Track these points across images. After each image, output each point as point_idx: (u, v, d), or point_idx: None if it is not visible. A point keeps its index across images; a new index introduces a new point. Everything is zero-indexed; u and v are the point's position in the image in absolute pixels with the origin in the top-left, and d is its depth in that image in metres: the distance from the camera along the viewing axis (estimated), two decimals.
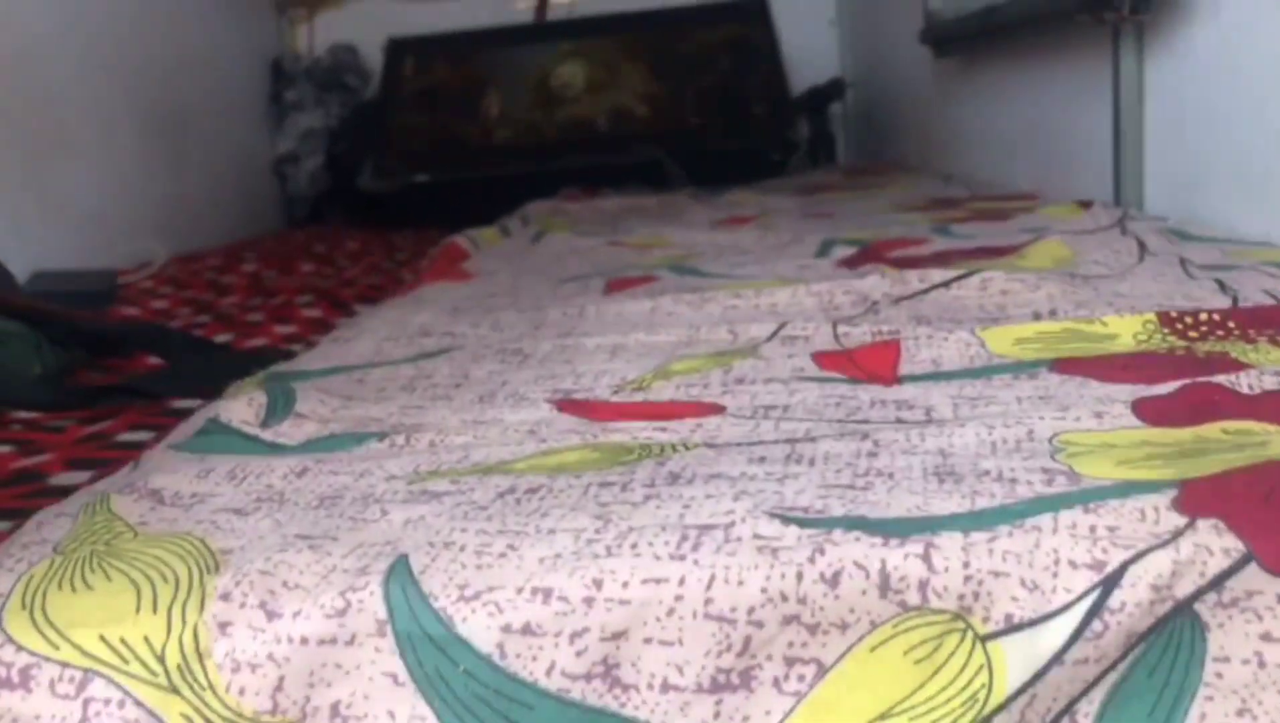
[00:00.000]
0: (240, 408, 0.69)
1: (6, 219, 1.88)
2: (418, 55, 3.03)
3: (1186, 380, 0.61)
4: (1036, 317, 0.82)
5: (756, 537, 0.44)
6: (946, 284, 0.92)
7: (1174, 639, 0.41)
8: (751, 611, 0.42)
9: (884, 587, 0.41)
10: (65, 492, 0.68)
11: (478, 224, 2.65)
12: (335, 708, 0.42)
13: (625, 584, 0.42)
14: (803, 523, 0.45)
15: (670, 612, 0.42)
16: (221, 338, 1.36)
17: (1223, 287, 0.86)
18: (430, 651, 0.42)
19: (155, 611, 0.44)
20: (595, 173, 2.67)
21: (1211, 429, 0.53)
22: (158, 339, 1.24)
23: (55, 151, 2.06)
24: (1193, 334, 0.72)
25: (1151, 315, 0.74)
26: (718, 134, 2.74)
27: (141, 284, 1.94)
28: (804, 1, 3.31)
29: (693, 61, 2.95)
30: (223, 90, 2.90)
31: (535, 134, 2.84)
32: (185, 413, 0.81)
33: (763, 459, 0.54)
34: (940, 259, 1.11)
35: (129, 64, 2.36)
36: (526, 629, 0.42)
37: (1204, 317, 0.73)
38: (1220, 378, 0.60)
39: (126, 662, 0.43)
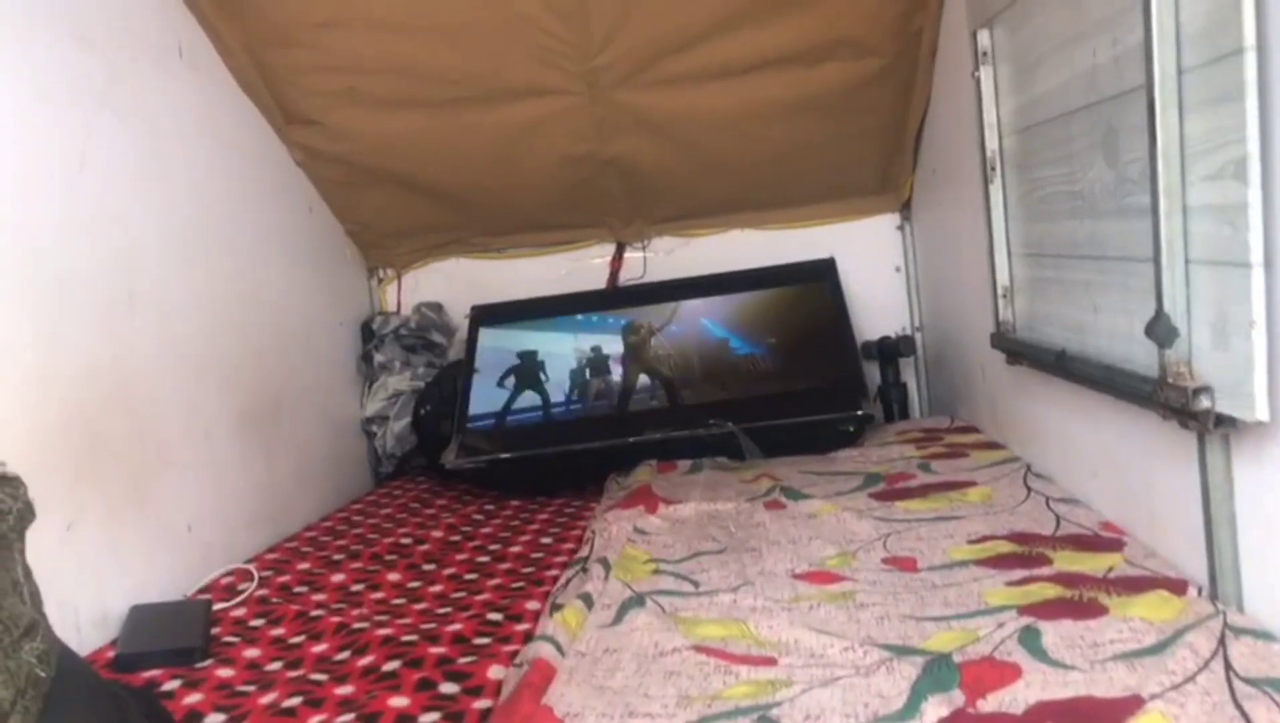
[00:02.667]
0: None
1: (108, 549, 1.97)
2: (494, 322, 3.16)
3: None
4: None
5: None
6: None
7: None
8: None
9: None
10: None
11: (555, 495, 2.74)
12: None
13: None
14: None
15: None
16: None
17: None
18: None
19: None
20: (670, 445, 2.71)
21: None
22: None
23: (157, 470, 2.16)
24: None
25: None
26: (791, 406, 2.77)
27: (234, 611, 2.00)
28: (872, 246, 3.40)
29: (763, 325, 3.01)
30: (316, 362, 3.04)
31: (611, 406, 2.91)
32: None
33: None
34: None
35: (227, 362, 2.49)
36: None
37: None
38: None
39: None
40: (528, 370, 3.00)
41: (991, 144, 2.12)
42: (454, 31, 2.63)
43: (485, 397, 2.98)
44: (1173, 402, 1.35)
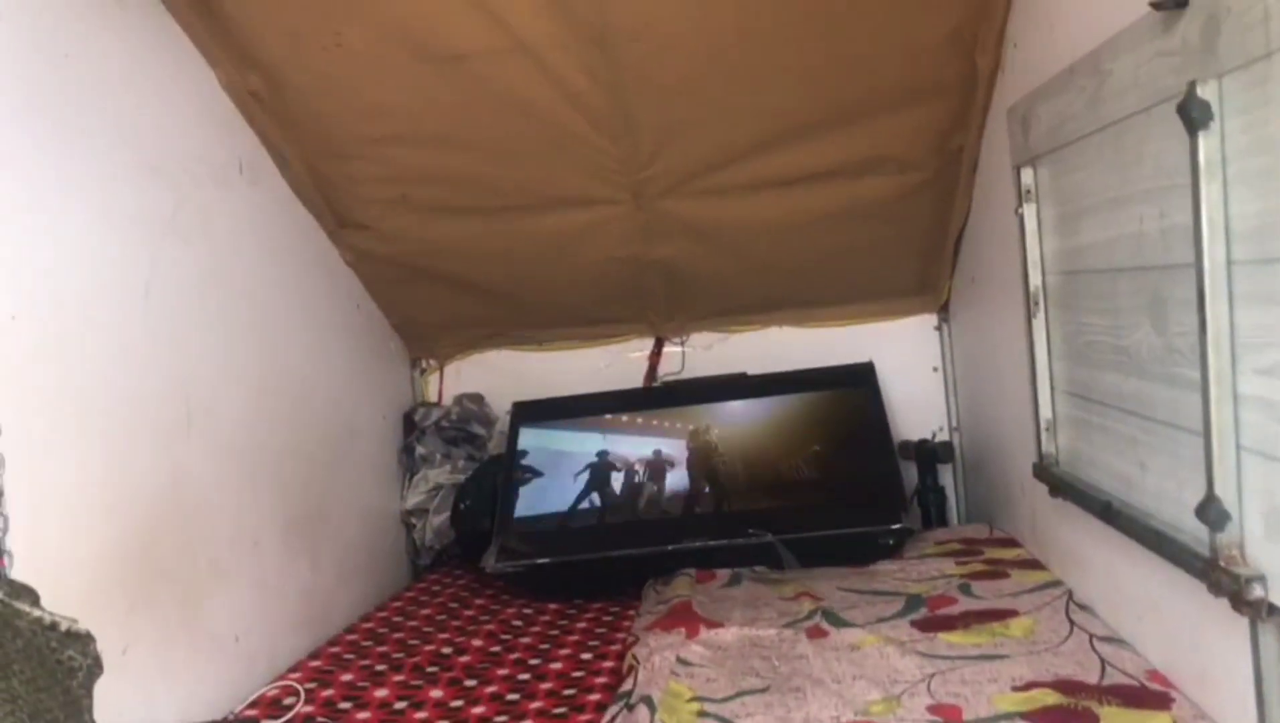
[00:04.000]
0: None
1: (159, 669, 2.01)
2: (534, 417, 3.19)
3: None
4: None
5: None
6: None
7: None
8: None
9: None
10: None
11: (593, 599, 2.75)
12: None
13: None
14: None
15: None
16: None
17: None
18: None
19: None
20: (709, 553, 2.73)
21: None
22: None
23: (208, 584, 2.21)
24: None
25: None
26: (830, 516, 2.78)
27: None
28: (910, 345, 3.43)
29: (802, 432, 3.03)
30: (359, 457, 3.09)
31: (650, 511, 2.93)
32: None
33: None
34: None
35: (275, 467, 2.54)
36: None
37: None
38: None
39: None
40: (601, 472, 3.03)
41: (1035, 280, 2.14)
42: (505, 147, 2.70)
43: (525, 497, 3.01)
44: (1225, 585, 1.36)
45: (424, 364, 3.59)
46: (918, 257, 3.19)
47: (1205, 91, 1.33)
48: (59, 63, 1.87)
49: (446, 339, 3.51)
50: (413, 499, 3.27)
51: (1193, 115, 1.34)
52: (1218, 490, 1.37)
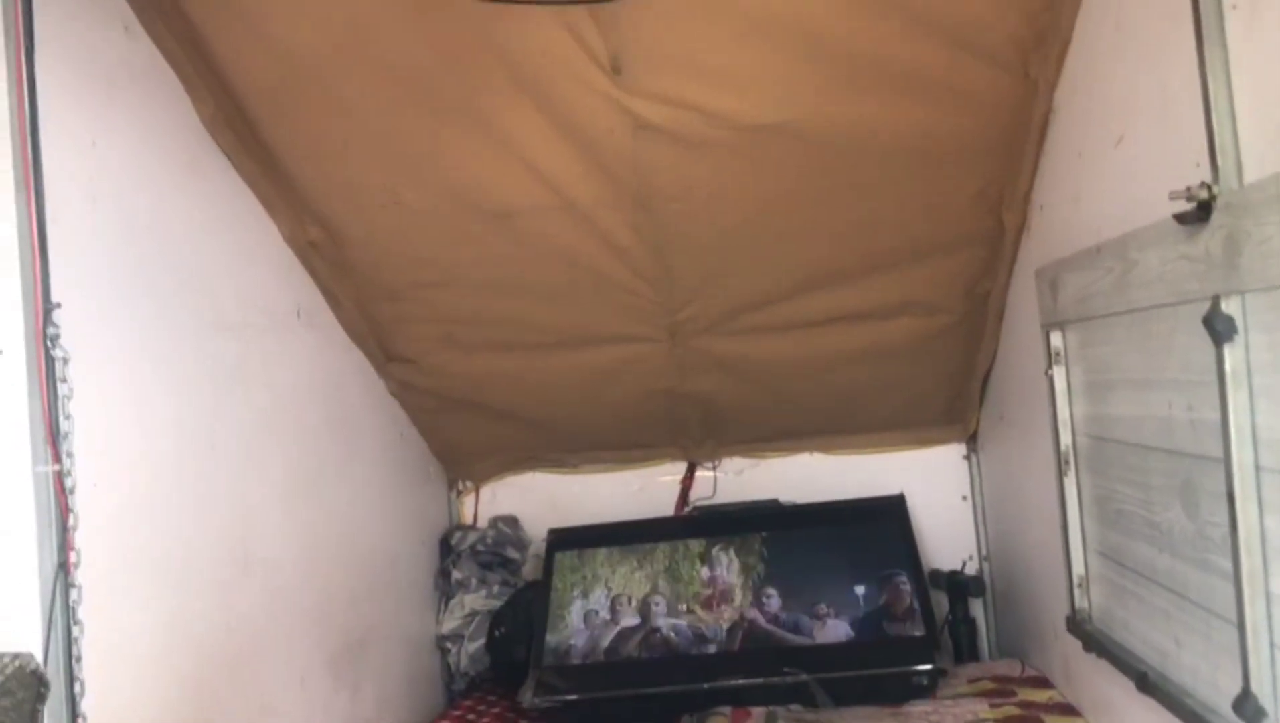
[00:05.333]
0: None
1: None
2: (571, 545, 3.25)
3: None
4: None
5: None
6: None
7: None
8: None
9: None
10: None
11: None
12: None
13: None
14: None
15: None
16: None
17: None
18: None
19: None
20: (744, 691, 2.75)
21: None
22: None
23: None
24: None
25: None
26: (863, 654, 2.81)
27: None
28: (939, 474, 3.48)
29: (835, 566, 3.07)
30: (398, 585, 3.15)
31: (689, 645, 2.96)
32: None
33: None
34: None
35: (321, 603, 2.60)
36: None
37: None
38: None
39: None
40: (638, 608, 3.06)
41: (1065, 439, 2.21)
42: (548, 291, 2.82)
43: (560, 628, 3.05)
44: None
45: (460, 486, 3.66)
46: (946, 391, 3.26)
47: (1229, 306, 1.42)
48: (140, 235, 1.99)
49: (483, 462, 3.59)
50: (448, 624, 3.31)
51: (1217, 329, 1.42)
52: (1253, 687, 1.42)
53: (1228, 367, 1.42)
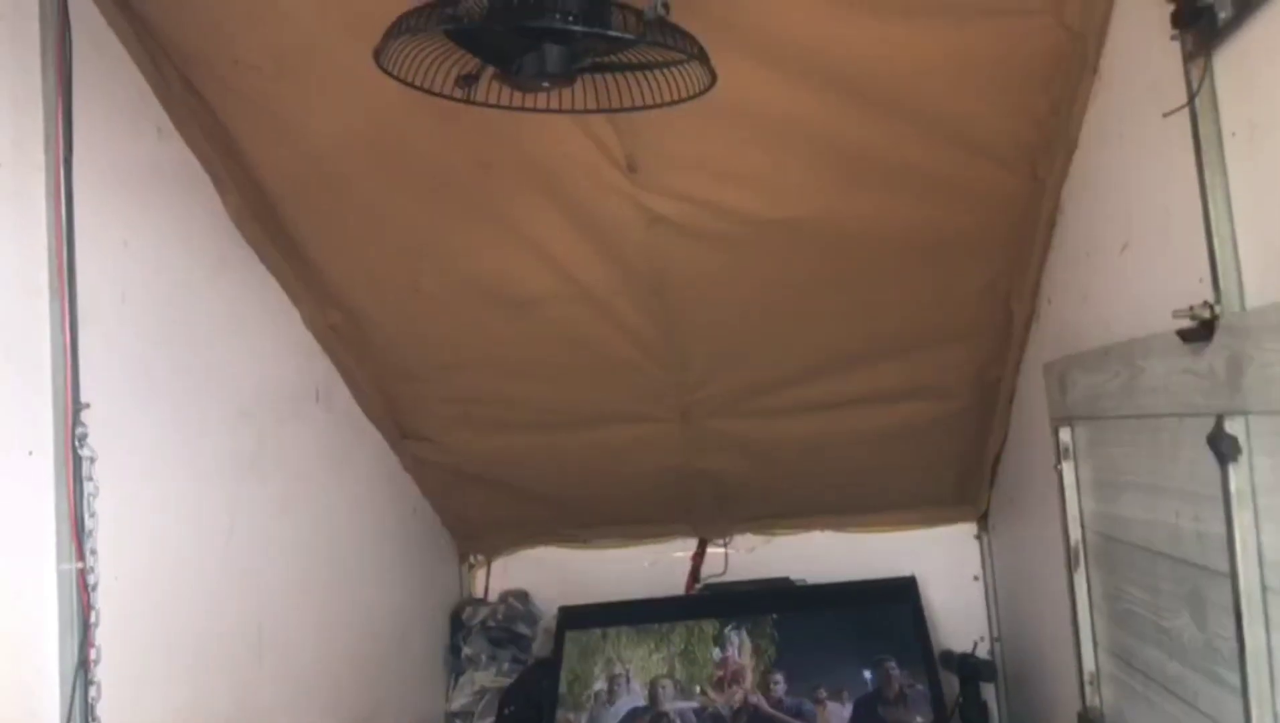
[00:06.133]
0: None
1: None
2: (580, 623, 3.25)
3: None
4: None
5: None
6: None
7: None
8: None
9: None
10: None
11: None
12: None
13: None
14: None
15: None
16: None
17: None
18: None
19: None
20: None
21: None
22: None
23: None
24: None
25: None
26: None
27: None
28: (950, 554, 3.47)
29: (842, 642, 3.07)
30: (408, 660, 3.16)
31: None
32: None
33: None
34: None
35: (333, 681, 2.62)
36: None
37: None
38: None
39: None
40: (648, 690, 3.05)
41: (1075, 535, 2.22)
42: (563, 372, 2.86)
43: (570, 711, 3.05)
44: None
45: (472, 559, 3.68)
46: (956, 472, 3.28)
47: (1233, 427, 1.44)
48: (169, 329, 2.05)
49: (495, 536, 3.61)
50: (458, 701, 3.31)
51: (1222, 450, 1.44)
52: None
53: (1233, 487, 1.44)
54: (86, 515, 1.71)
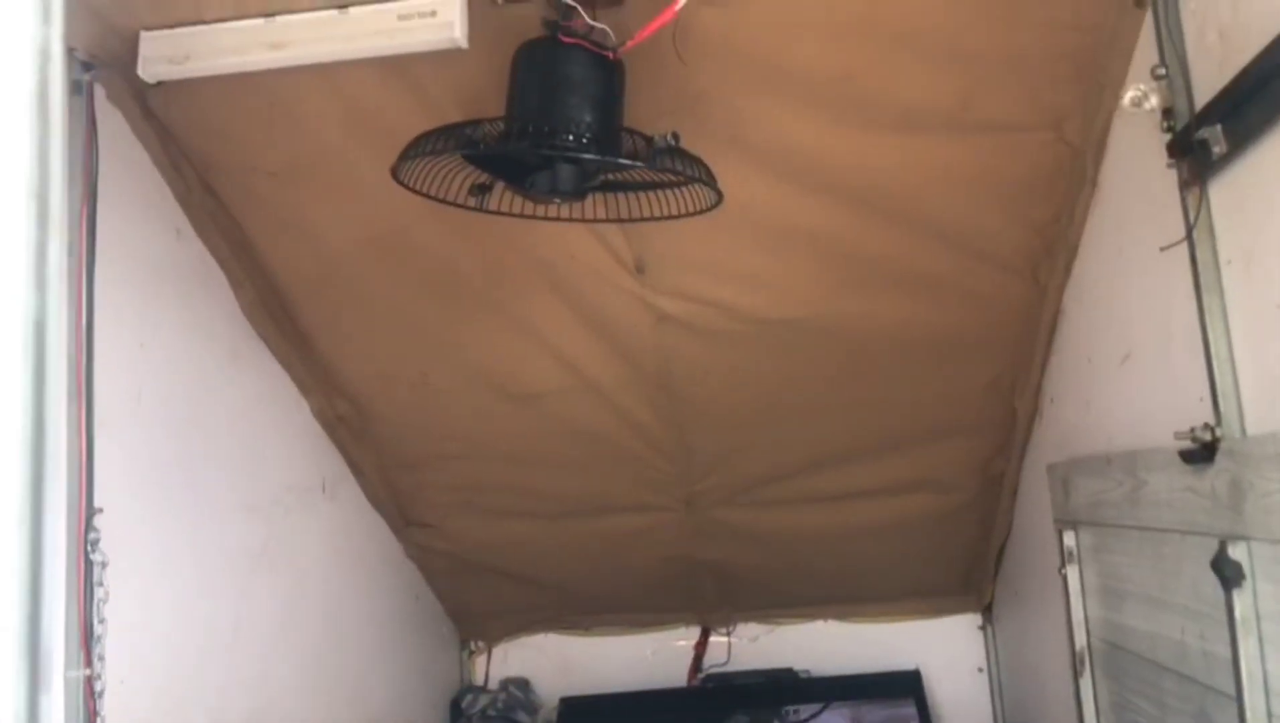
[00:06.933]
0: None
1: None
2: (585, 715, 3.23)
3: None
4: None
5: None
6: None
7: None
8: None
9: None
10: None
11: None
12: None
13: None
14: None
15: None
16: None
17: None
18: None
19: None
20: None
21: None
22: None
23: None
24: None
25: None
26: None
27: None
28: (954, 645, 3.45)
29: None
30: None
31: None
32: None
33: None
34: None
35: None
36: None
37: None
38: None
39: None
40: None
41: (1080, 640, 2.22)
42: (568, 463, 2.87)
43: None
44: None
45: (473, 645, 3.65)
46: (960, 563, 3.27)
47: (1236, 552, 1.45)
48: (182, 427, 2.07)
49: (497, 622, 3.59)
50: None
51: (1226, 574, 1.45)
52: None
53: (1237, 613, 1.45)
54: (96, 622, 1.71)
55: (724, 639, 3.57)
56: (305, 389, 2.59)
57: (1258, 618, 1.44)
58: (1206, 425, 1.54)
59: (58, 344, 0.55)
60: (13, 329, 0.53)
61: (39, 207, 0.54)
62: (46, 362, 0.54)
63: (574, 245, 2.23)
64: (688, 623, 3.58)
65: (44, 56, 0.56)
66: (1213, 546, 1.52)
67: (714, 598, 3.46)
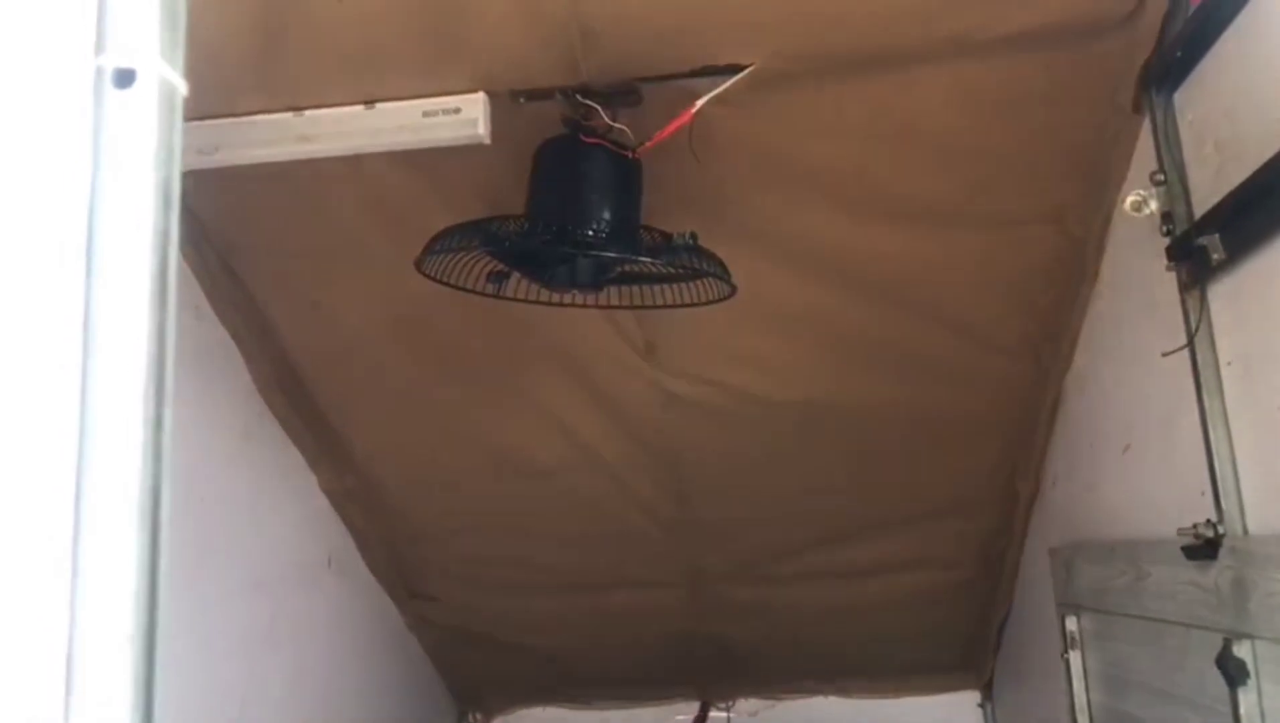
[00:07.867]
0: None
1: None
2: None
3: None
4: None
5: None
6: None
7: None
8: None
9: None
10: None
11: None
12: None
13: None
14: None
15: None
16: None
17: None
18: None
19: None
20: None
21: None
22: None
23: None
24: None
25: None
26: None
27: None
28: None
29: None
30: None
31: None
32: None
33: None
34: None
35: None
36: None
37: None
38: None
39: None
40: None
41: None
42: (572, 538, 2.89)
43: None
44: None
45: (472, 718, 3.63)
46: (960, 640, 3.28)
47: (1240, 650, 1.48)
48: (196, 508, 2.09)
49: (496, 695, 3.58)
50: None
51: (1230, 673, 1.47)
52: None
53: (1242, 711, 1.46)
54: None
55: (724, 715, 3.56)
56: (314, 463, 2.61)
57: (1262, 717, 1.46)
58: (1209, 522, 1.57)
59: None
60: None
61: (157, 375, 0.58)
62: None
63: (586, 328, 2.27)
64: (687, 697, 3.56)
65: (164, 238, 0.60)
66: (1216, 641, 1.54)
67: (714, 673, 3.45)
